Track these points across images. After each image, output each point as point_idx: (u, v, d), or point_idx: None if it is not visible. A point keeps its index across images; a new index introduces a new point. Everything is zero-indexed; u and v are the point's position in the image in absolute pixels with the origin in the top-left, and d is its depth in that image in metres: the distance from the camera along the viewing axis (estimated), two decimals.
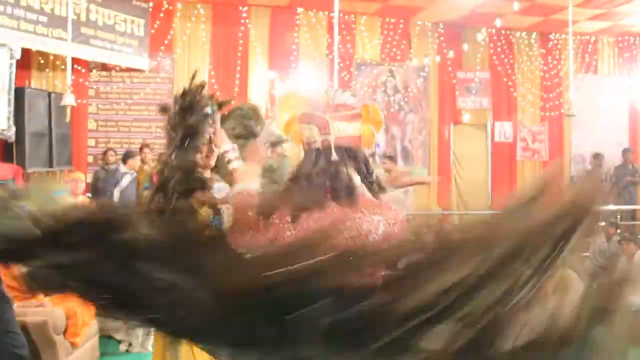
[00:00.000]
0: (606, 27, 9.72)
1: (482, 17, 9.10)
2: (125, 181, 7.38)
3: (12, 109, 6.71)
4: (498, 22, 8.98)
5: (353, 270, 0.98)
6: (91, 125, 8.47)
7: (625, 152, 9.86)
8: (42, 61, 7.92)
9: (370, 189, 1.60)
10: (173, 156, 2.20)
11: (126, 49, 8.16)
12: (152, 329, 4.83)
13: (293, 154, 2.75)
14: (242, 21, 8.85)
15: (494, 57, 10.04)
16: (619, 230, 8.30)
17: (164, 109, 2.36)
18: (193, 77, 2.35)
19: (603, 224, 8.26)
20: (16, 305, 3.79)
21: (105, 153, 7.99)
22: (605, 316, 0.97)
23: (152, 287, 0.98)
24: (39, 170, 7.29)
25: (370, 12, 9.24)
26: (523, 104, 10.14)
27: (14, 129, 6.73)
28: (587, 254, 8.24)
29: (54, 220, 1.06)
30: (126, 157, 7.28)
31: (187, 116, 2.21)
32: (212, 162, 2.46)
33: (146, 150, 7.92)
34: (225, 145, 2.13)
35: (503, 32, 9.98)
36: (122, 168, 7.57)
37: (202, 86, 2.30)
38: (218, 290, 0.95)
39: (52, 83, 8.02)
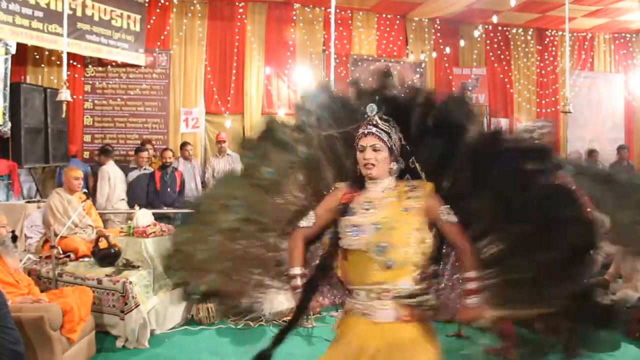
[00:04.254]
0: (602, 23, 9.73)
1: (479, 14, 9.10)
2: (132, 176, 7.54)
3: (7, 104, 6.69)
4: (495, 19, 8.99)
5: None
6: (87, 120, 8.45)
7: (620, 149, 9.89)
8: (37, 56, 7.90)
9: None
10: None
11: (122, 44, 8.14)
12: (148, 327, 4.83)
13: None
14: (239, 17, 8.84)
15: (491, 54, 10.05)
16: None
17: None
18: None
19: None
20: (11, 302, 3.80)
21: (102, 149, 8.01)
22: None
23: None
24: (34, 166, 7.28)
25: (366, 7, 9.23)
26: (519, 100, 10.16)
27: (9, 124, 6.71)
28: None
29: None
30: (135, 153, 7.80)
31: None
32: None
33: (148, 146, 8.03)
34: None
35: (500, 28, 9.99)
36: (132, 164, 7.84)
37: None
38: None
39: (47, 78, 7.99)
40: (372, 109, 2.20)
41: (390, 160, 2.18)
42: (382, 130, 2.17)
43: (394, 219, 2.12)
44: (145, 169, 7.68)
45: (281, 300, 2.29)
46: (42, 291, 4.41)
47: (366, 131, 2.16)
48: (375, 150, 2.15)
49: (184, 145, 8.17)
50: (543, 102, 10.19)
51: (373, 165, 2.15)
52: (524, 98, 10.17)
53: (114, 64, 8.34)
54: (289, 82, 9.06)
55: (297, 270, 2.25)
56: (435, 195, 2.18)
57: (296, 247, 2.27)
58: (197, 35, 8.73)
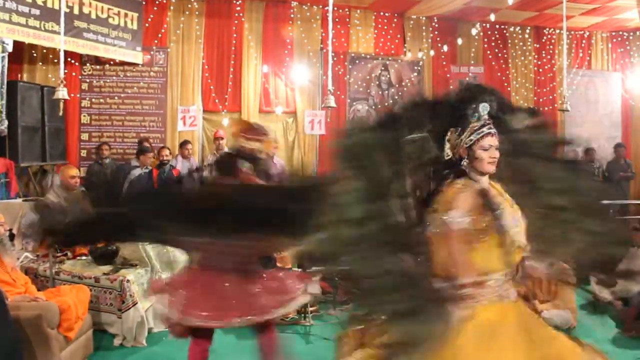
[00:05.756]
0: (600, 21, 9.74)
1: (477, 12, 9.10)
2: (134, 174, 7.54)
3: (4, 102, 6.67)
4: (492, 17, 8.99)
5: None
6: (84, 119, 8.44)
7: (617, 147, 9.91)
8: (34, 54, 7.87)
9: None
10: None
11: (119, 42, 8.12)
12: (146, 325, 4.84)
13: None
14: (236, 15, 8.82)
15: (488, 52, 10.05)
16: None
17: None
18: None
19: None
20: (10, 300, 3.79)
21: (99, 147, 7.99)
22: None
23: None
24: (32, 164, 7.26)
25: (364, 5, 9.23)
26: (517, 98, 10.16)
27: (6, 123, 6.69)
28: None
29: None
30: (139, 153, 7.67)
31: None
32: None
33: (145, 144, 8.02)
34: None
35: (497, 26, 9.99)
36: (134, 162, 7.82)
37: None
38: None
39: (44, 76, 7.97)
40: (485, 108, 2.32)
41: None
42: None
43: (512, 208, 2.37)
44: (145, 167, 7.68)
45: None
46: (39, 289, 4.41)
47: (492, 131, 2.31)
48: (496, 149, 2.32)
49: (184, 144, 8.16)
50: (540, 100, 10.20)
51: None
52: (521, 96, 10.18)
53: (111, 62, 8.32)
54: (287, 80, 9.06)
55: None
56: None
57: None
58: (195, 33, 8.72)
